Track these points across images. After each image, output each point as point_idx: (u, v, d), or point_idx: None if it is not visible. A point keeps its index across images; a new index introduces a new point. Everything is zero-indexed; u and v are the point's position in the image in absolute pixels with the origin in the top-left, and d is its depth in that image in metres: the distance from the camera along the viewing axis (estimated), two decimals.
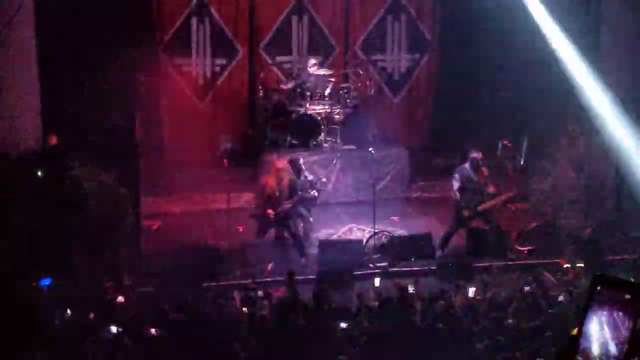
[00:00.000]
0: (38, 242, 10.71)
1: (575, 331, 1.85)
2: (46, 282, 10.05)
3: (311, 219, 12.76)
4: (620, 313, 1.77)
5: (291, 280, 10.39)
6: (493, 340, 7.74)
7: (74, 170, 11.32)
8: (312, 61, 15.51)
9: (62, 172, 11.34)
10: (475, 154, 12.43)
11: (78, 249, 11.11)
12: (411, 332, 8.05)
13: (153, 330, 8.35)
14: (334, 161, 14.50)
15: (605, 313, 1.79)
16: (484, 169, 12.53)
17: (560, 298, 9.13)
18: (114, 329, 8.45)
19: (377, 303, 9.16)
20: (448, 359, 7.62)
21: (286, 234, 12.36)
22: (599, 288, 1.81)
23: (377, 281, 10.82)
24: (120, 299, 9.36)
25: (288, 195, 12.31)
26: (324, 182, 13.38)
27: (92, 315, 8.76)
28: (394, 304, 8.82)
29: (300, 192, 12.40)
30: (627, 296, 1.77)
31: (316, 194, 12.76)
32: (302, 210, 12.59)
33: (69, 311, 8.80)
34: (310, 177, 12.82)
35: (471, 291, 8.84)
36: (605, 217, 12.62)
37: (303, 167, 12.87)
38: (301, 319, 8.43)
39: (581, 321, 1.82)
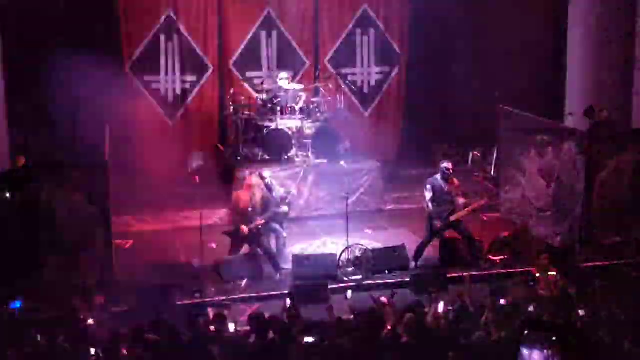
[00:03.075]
0: (9, 264, 10.64)
1: None
2: (17, 304, 9.95)
3: (284, 234, 12.75)
4: (549, 352, 1.81)
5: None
6: (460, 352, 7.73)
7: (43, 191, 11.24)
8: (283, 75, 15.52)
9: (31, 193, 11.27)
10: (446, 164, 12.50)
11: (49, 269, 11.05)
12: (381, 345, 8.04)
13: (125, 351, 8.27)
14: (301, 174, 14.56)
15: (534, 353, 1.83)
16: (455, 179, 12.58)
17: (530, 309, 9.12)
18: (92, 351, 8.34)
19: (351, 317, 9.13)
20: None
21: (259, 251, 12.32)
22: (526, 332, 1.84)
23: (350, 294, 10.78)
24: (91, 321, 9.22)
25: (261, 211, 12.28)
26: (294, 194, 13.41)
27: (61, 338, 8.65)
28: (366, 317, 8.79)
29: (272, 208, 12.38)
30: (554, 338, 1.82)
31: (287, 208, 12.78)
32: (275, 225, 12.59)
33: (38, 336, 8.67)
34: (281, 192, 12.81)
35: (441, 305, 8.86)
36: (575, 225, 12.69)
37: (273, 182, 12.85)
38: (274, 335, 8.39)
39: None
